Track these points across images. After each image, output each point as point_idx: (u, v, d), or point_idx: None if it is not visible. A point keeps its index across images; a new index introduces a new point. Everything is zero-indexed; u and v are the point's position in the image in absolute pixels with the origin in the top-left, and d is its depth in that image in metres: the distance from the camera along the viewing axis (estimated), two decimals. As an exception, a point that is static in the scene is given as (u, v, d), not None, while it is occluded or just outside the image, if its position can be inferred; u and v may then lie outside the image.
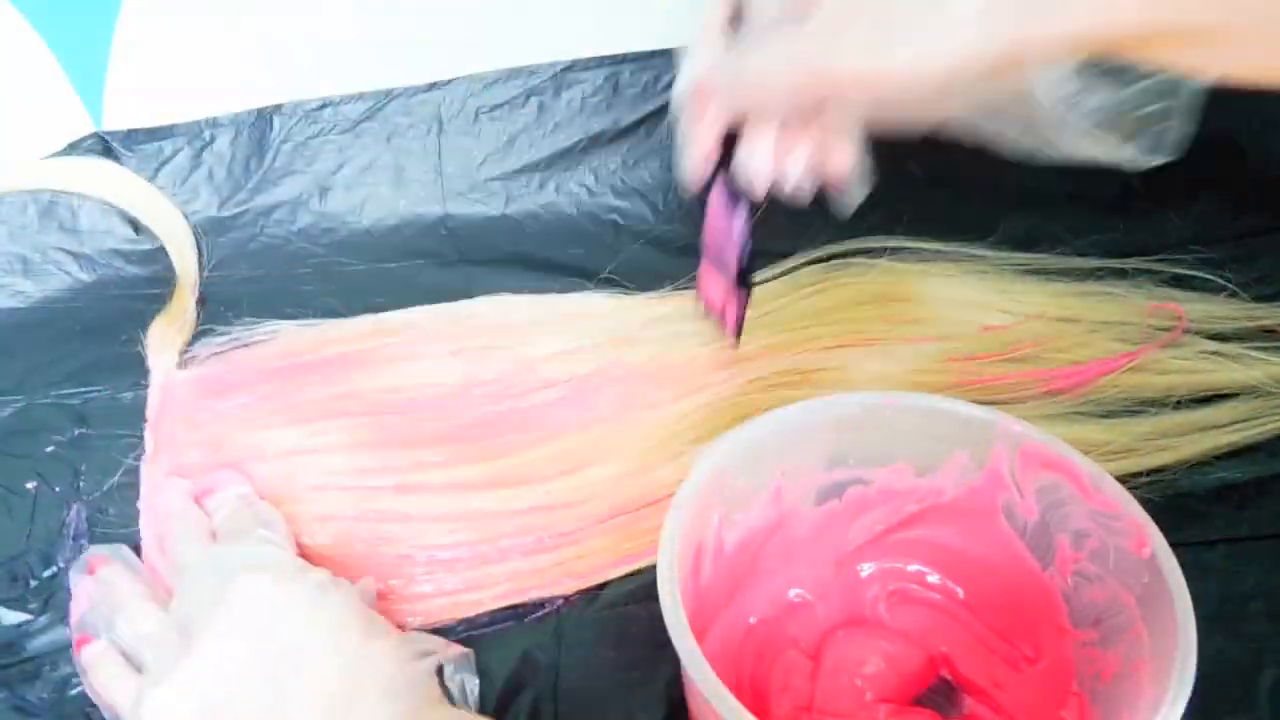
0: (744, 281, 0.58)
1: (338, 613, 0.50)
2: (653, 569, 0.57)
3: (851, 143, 0.50)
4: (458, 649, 0.54)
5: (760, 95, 0.48)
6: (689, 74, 0.51)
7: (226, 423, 0.66)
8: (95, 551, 0.58)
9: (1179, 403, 0.65)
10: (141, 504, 0.62)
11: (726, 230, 0.56)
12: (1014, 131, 0.47)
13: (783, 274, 0.74)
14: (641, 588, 0.58)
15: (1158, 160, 0.47)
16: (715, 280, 0.61)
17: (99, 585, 0.55)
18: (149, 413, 0.67)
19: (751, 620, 0.55)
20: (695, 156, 0.54)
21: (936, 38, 0.42)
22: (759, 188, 0.52)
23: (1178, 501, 0.59)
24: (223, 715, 0.47)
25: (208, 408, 0.66)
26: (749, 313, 0.61)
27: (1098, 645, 0.49)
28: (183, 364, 0.70)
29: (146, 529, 0.61)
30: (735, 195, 0.54)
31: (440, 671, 0.52)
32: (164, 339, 0.70)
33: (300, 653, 0.48)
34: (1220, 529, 0.59)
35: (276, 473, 0.63)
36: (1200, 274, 0.72)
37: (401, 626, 0.57)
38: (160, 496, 0.61)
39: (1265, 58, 0.41)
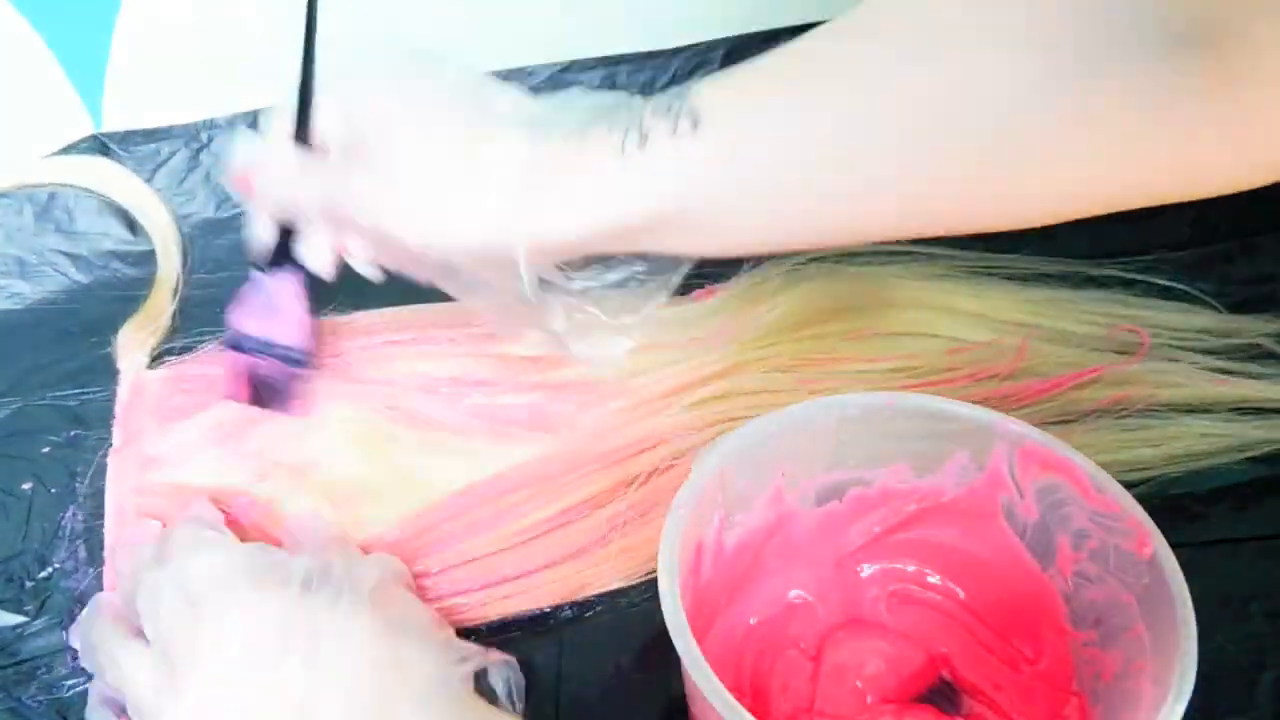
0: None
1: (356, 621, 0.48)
2: (646, 578, 0.57)
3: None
4: (498, 655, 0.52)
5: (320, 214, 0.54)
6: (246, 156, 0.56)
7: (194, 417, 0.65)
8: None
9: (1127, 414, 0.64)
10: (107, 497, 0.62)
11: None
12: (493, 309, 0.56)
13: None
14: (642, 589, 0.58)
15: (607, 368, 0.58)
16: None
17: (85, 639, 0.53)
18: (117, 408, 0.67)
19: (751, 620, 0.55)
20: (260, 244, 0.59)
21: (465, 228, 0.49)
22: (324, 274, 0.58)
23: (1178, 501, 0.59)
24: None
25: (177, 405, 0.66)
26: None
27: (1098, 646, 0.49)
28: (155, 365, 0.69)
29: (110, 530, 0.61)
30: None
31: (483, 676, 0.52)
32: (135, 339, 0.70)
33: (321, 668, 0.46)
34: (1220, 529, 0.59)
35: (241, 469, 0.63)
36: (1179, 285, 0.71)
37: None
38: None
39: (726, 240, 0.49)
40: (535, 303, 0.51)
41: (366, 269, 0.57)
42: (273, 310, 0.60)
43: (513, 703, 0.52)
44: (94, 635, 0.52)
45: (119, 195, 0.78)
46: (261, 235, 0.58)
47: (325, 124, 0.54)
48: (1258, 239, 0.72)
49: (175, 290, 0.74)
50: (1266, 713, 0.52)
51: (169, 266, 0.76)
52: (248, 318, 0.61)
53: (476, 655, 0.51)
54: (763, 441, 0.51)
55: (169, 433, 0.64)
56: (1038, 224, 0.45)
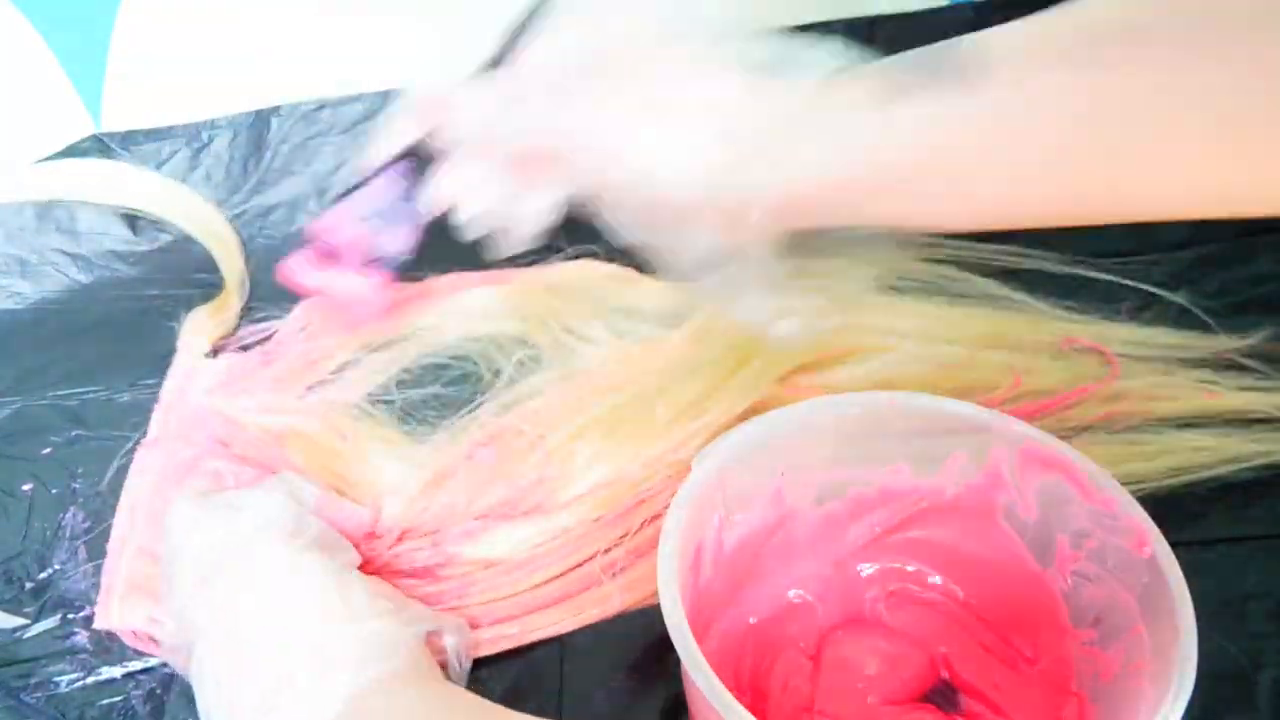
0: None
1: (318, 577, 0.50)
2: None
3: None
4: (451, 618, 0.54)
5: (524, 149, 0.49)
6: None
7: (228, 424, 0.66)
8: None
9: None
10: (125, 488, 0.63)
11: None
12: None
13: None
14: (644, 593, 0.58)
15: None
16: None
17: None
18: (164, 394, 0.67)
19: (751, 620, 0.55)
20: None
21: (685, 169, 0.43)
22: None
23: (1178, 501, 0.59)
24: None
25: (216, 407, 0.66)
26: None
27: (1098, 645, 0.49)
28: (212, 354, 0.70)
29: (122, 513, 0.62)
30: None
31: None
32: (201, 327, 0.71)
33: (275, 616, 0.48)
34: (1220, 529, 0.58)
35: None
36: (1167, 293, 0.70)
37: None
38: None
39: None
40: (754, 269, 0.46)
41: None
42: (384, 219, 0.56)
43: (459, 663, 0.53)
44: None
45: (167, 208, 0.79)
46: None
47: (560, 43, 0.48)
48: (1257, 239, 0.72)
49: (242, 284, 0.75)
50: (1266, 713, 0.52)
51: (232, 263, 0.76)
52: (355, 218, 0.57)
53: (425, 620, 0.51)
54: (763, 441, 0.51)
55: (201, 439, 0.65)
56: None
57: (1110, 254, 0.72)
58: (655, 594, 0.44)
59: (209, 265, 0.77)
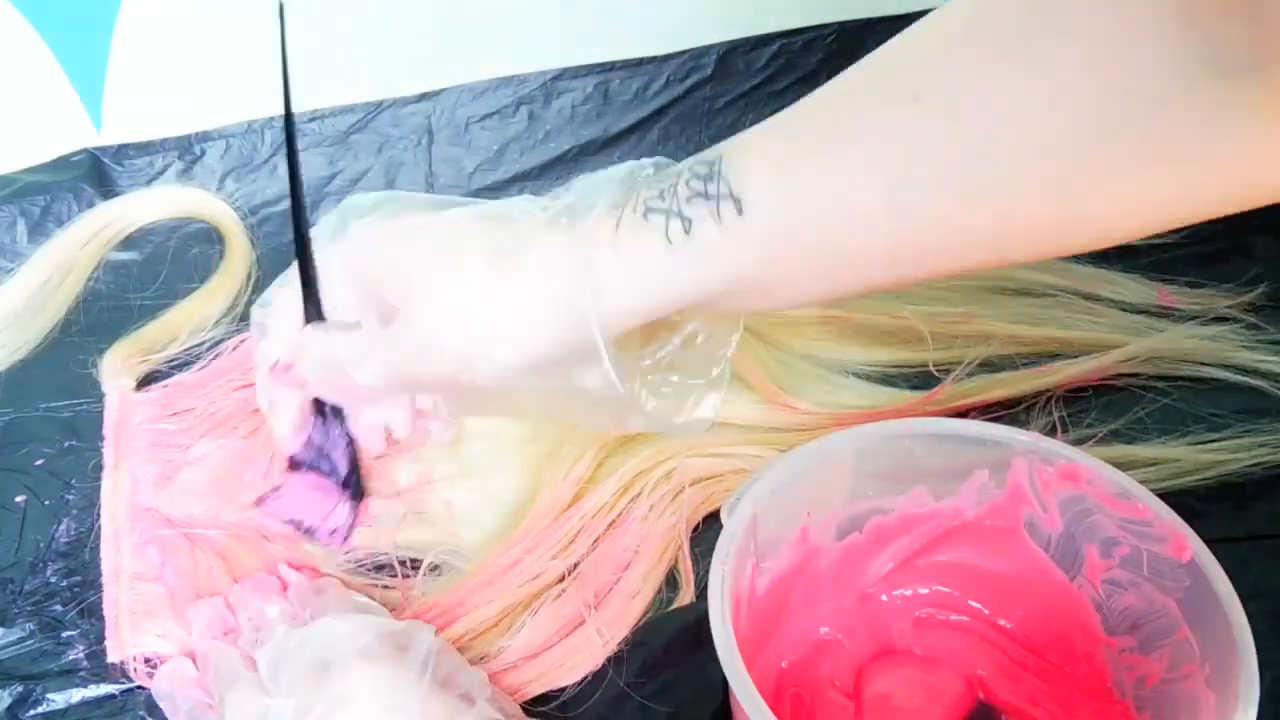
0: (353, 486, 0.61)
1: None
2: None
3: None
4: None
5: (360, 391, 0.53)
6: (270, 351, 0.57)
7: (177, 440, 0.65)
8: None
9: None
10: (103, 518, 0.62)
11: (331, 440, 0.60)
12: (583, 413, 0.53)
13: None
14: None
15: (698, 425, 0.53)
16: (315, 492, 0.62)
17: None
18: (105, 429, 0.66)
19: (783, 664, 0.53)
20: (286, 427, 0.58)
21: (531, 339, 0.47)
22: (376, 448, 0.60)
23: (1177, 501, 0.60)
24: None
25: (166, 431, 0.66)
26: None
27: (1138, 651, 0.49)
28: (141, 387, 0.69)
29: (106, 544, 0.61)
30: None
31: None
32: (120, 365, 0.70)
33: None
34: (1220, 529, 0.59)
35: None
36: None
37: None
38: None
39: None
40: (620, 390, 0.48)
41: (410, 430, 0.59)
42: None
43: None
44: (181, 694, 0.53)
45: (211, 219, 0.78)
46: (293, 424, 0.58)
47: (338, 295, 0.53)
48: (1250, 239, 0.74)
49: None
50: (1267, 713, 0.53)
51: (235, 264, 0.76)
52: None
53: None
54: (789, 483, 0.50)
55: (166, 466, 0.64)
56: (1096, 248, 0.45)
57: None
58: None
59: (204, 273, 0.76)
